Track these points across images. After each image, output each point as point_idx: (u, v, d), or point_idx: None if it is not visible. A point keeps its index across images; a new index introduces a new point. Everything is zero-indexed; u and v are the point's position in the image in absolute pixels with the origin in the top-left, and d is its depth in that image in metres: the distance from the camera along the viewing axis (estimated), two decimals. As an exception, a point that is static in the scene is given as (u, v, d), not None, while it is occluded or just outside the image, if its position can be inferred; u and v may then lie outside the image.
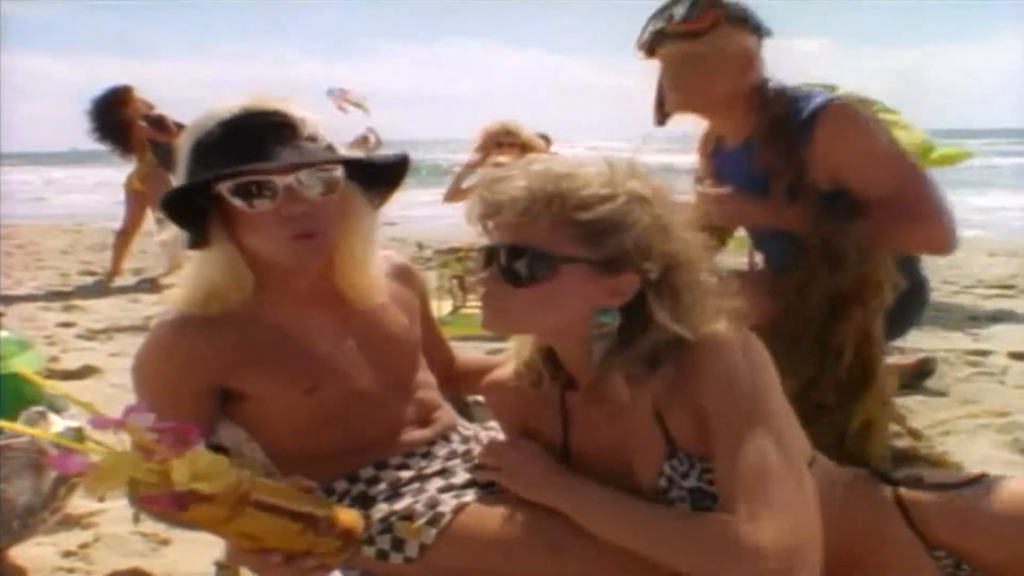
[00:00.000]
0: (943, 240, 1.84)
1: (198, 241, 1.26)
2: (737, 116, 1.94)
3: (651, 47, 1.92)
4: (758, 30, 1.90)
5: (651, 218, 1.12)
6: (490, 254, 1.16)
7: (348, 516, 1.15)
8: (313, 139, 1.26)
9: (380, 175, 1.37)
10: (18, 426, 1.01)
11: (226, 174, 1.21)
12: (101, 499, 1.01)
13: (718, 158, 2.05)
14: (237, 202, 1.23)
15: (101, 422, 0.98)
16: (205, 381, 1.30)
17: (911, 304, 2.04)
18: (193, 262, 1.29)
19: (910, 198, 1.80)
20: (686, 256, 1.16)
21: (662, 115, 2.03)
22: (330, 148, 1.29)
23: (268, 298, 1.32)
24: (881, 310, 1.83)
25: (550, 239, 1.12)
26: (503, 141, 4.47)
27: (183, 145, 1.28)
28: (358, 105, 6.34)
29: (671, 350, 1.14)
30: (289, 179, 1.22)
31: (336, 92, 6.18)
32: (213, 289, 1.27)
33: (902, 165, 1.85)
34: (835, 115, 1.81)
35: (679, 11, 1.85)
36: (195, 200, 1.24)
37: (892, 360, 2.48)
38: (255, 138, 1.23)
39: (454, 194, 4.73)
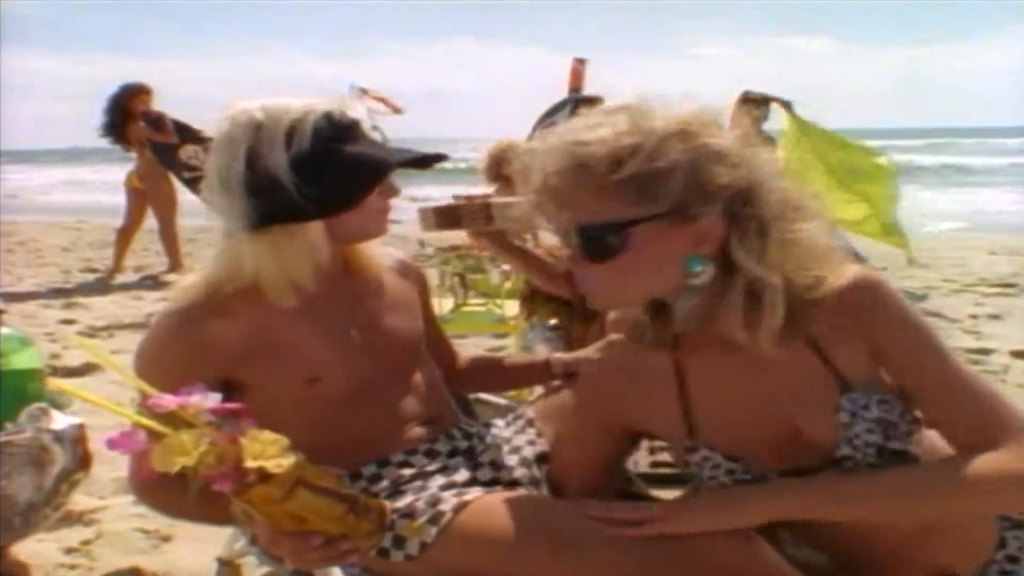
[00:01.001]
0: None
1: (320, 215, 1.29)
2: None
3: None
4: None
5: (692, 151, 1.04)
6: (566, 239, 1.13)
7: (377, 501, 1.17)
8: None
9: None
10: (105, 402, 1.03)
11: (431, 157, 1.36)
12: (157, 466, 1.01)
13: None
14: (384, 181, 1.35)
15: (161, 403, 0.99)
16: (210, 371, 1.29)
17: None
18: (267, 246, 1.28)
19: None
20: (757, 179, 1.07)
21: None
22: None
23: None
24: None
25: (604, 209, 1.06)
26: (510, 159, 4.49)
27: (294, 124, 1.28)
28: (380, 101, 6.35)
29: (801, 291, 1.09)
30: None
31: (357, 91, 6.17)
32: (299, 268, 1.31)
33: None
34: None
35: (559, 123, 1.78)
36: (340, 172, 1.29)
37: None
38: (362, 127, 1.37)
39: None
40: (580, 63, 2.08)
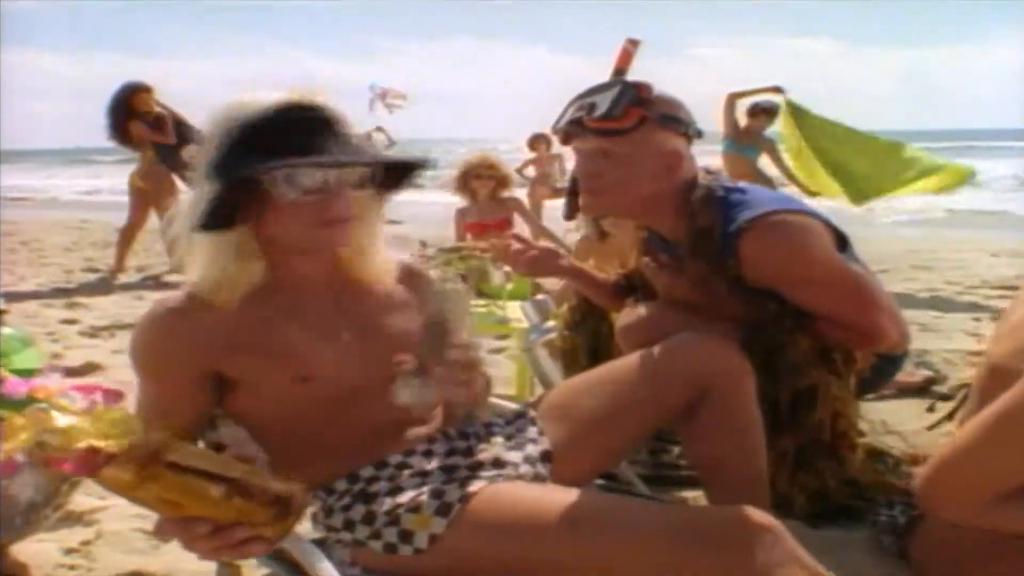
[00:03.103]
0: (893, 344, 1.77)
1: (220, 225, 1.24)
2: (662, 219, 1.79)
3: (567, 136, 1.76)
4: (687, 131, 1.73)
5: None
6: None
7: (284, 485, 1.09)
8: (351, 134, 1.30)
9: (393, 174, 1.37)
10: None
11: (304, 163, 1.23)
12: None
13: (654, 243, 1.92)
14: (286, 189, 1.24)
15: (13, 389, 0.96)
16: (197, 363, 1.30)
17: (885, 366, 1.99)
18: (204, 248, 1.28)
19: (853, 314, 1.70)
20: None
21: (574, 208, 1.85)
22: (361, 143, 1.33)
23: (269, 286, 1.33)
24: (847, 391, 1.78)
25: None
26: (482, 174, 4.50)
27: (217, 129, 1.25)
28: (399, 99, 6.35)
29: None
30: (337, 172, 1.26)
31: (378, 91, 6.16)
32: (225, 275, 1.28)
33: (840, 281, 1.70)
34: (762, 234, 1.66)
35: (601, 105, 1.67)
36: (233, 183, 1.22)
37: (899, 376, 2.46)
38: (308, 129, 1.25)
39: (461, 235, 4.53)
40: (632, 44, 1.99)
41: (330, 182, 1.26)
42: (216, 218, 1.23)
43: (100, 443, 0.94)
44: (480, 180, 4.49)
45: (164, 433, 0.99)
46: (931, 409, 2.83)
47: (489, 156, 4.73)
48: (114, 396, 0.99)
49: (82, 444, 0.93)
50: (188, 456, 1.00)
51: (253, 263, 1.30)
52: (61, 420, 0.94)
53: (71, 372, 3.65)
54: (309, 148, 1.23)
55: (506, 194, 4.68)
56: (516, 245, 2.02)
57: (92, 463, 0.94)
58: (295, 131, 1.23)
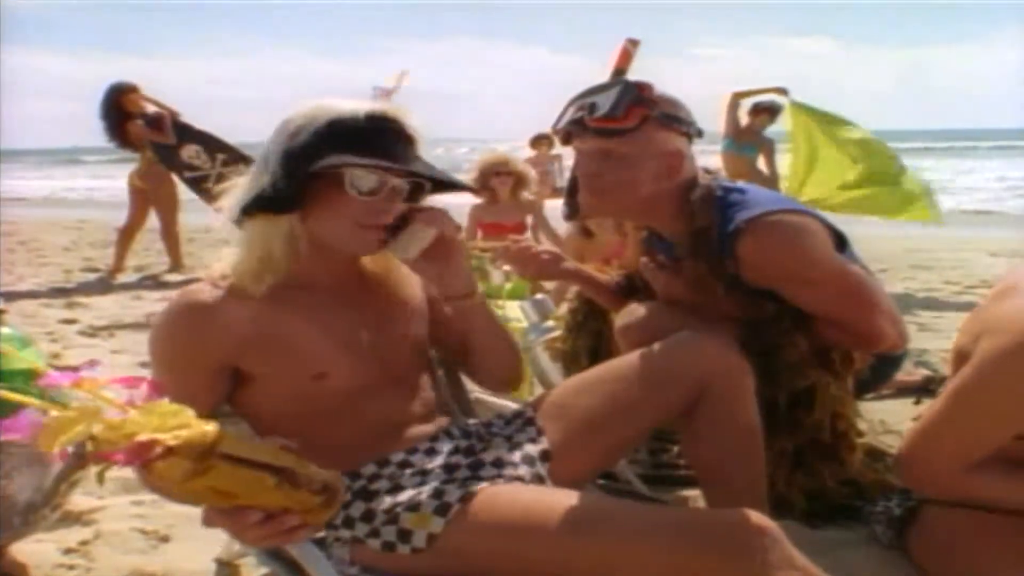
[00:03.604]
0: (892, 344, 1.78)
1: (283, 207, 1.29)
2: (662, 219, 1.79)
3: (567, 136, 1.74)
4: (688, 131, 1.72)
5: None
6: None
7: (328, 473, 1.12)
8: (420, 152, 1.37)
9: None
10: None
11: (390, 167, 1.29)
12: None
13: (654, 243, 1.93)
14: (349, 186, 1.29)
15: (54, 380, 0.96)
16: (215, 356, 1.31)
17: (884, 367, 1.99)
18: (253, 229, 1.32)
19: (851, 315, 1.70)
20: None
21: (573, 207, 1.85)
22: (428, 163, 1.39)
23: (292, 283, 1.35)
24: (843, 393, 1.78)
25: None
26: (501, 171, 4.50)
27: (300, 122, 1.29)
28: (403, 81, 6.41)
29: None
30: (399, 181, 1.33)
31: (380, 91, 6.16)
32: (271, 258, 1.31)
33: (838, 281, 1.70)
34: (760, 234, 1.65)
35: (602, 104, 1.65)
36: (308, 170, 1.26)
37: (898, 376, 2.46)
38: (388, 138, 1.31)
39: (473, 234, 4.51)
40: (632, 44, 1.99)
41: (386, 189, 1.31)
42: (281, 200, 1.27)
43: (159, 436, 0.94)
44: (499, 178, 4.49)
45: (217, 425, 1.00)
46: (917, 403, 2.85)
47: (505, 154, 4.74)
48: (157, 390, 0.99)
49: (142, 438, 0.93)
50: (240, 447, 1.01)
51: (294, 251, 1.33)
52: (109, 413, 0.94)
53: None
54: (385, 154, 1.29)
55: (524, 195, 4.68)
56: (530, 249, 2.05)
57: (147, 456, 0.94)
58: (375, 136, 1.30)
